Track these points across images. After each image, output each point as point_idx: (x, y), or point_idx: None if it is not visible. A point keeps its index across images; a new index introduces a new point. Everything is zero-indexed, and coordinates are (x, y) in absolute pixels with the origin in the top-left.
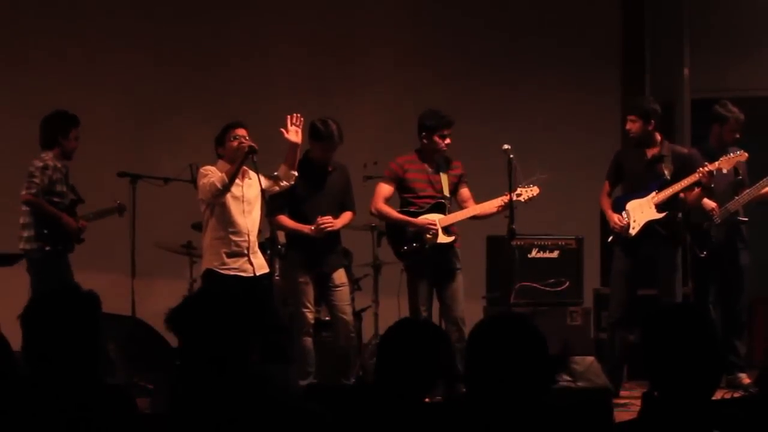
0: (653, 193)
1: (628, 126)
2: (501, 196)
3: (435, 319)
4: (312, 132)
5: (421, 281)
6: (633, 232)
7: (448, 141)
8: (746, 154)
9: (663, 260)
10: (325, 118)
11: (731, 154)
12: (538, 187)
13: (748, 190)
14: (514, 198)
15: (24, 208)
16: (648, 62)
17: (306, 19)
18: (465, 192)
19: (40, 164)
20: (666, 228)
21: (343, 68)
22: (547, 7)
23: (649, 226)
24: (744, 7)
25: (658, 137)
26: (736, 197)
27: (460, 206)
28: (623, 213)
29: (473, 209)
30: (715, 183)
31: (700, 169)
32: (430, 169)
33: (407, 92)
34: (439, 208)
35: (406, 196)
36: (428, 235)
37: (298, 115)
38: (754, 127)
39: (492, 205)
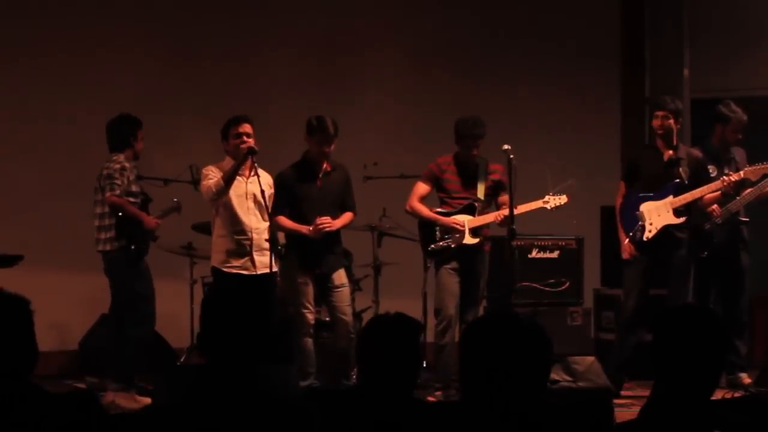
0: (670, 197)
1: (660, 122)
2: (533, 200)
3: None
4: (306, 127)
5: (449, 280)
6: (650, 235)
7: (475, 152)
8: None
9: (677, 262)
10: (320, 115)
11: (759, 164)
12: (568, 195)
13: (749, 190)
14: (542, 204)
15: (98, 209)
16: (648, 62)
17: (306, 19)
18: (503, 198)
19: (118, 166)
20: (682, 232)
21: (344, 69)
22: (547, 8)
23: (666, 229)
24: (743, 6)
25: (675, 139)
26: (738, 197)
27: (496, 209)
28: (637, 213)
29: (499, 213)
30: None
31: (724, 177)
32: (466, 171)
33: (407, 93)
34: (470, 210)
35: (441, 195)
36: (455, 235)
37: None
38: (754, 127)
39: (519, 210)
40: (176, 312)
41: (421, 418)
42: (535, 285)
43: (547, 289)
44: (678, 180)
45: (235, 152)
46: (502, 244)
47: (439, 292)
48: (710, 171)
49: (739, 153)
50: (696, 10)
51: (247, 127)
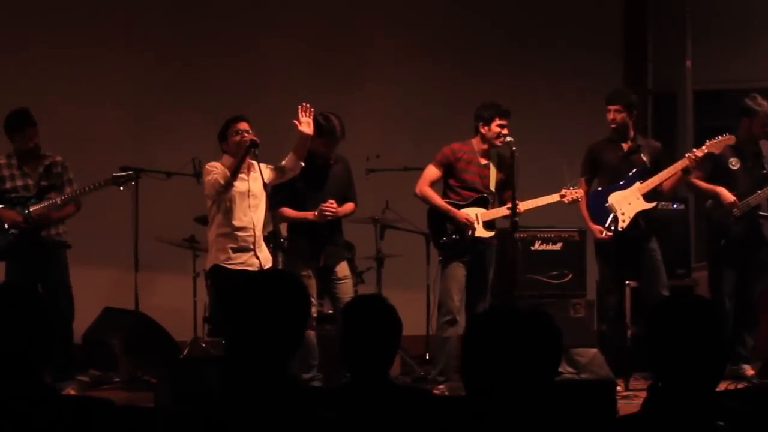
0: (637, 183)
1: (612, 116)
2: (548, 194)
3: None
4: (314, 127)
5: (457, 272)
6: (624, 225)
7: (506, 131)
8: (734, 138)
9: (649, 250)
10: (327, 113)
11: (719, 137)
12: (583, 189)
13: None
14: (558, 198)
15: None
16: (650, 53)
17: (307, 12)
18: (509, 193)
19: None
20: (646, 218)
21: (345, 61)
22: None
23: (637, 218)
24: None
25: (632, 131)
26: (759, 191)
27: (502, 203)
28: (606, 206)
29: (518, 206)
30: (738, 177)
31: (688, 154)
32: (482, 161)
33: (410, 84)
34: (482, 203)
35: (451, 183)
36: (468, 230)
37: (309, 105)
38: None
39: (536, 203)
40: (179, 305)
41: (431, 412)
42: (538, 277)
43: (550, 281)
44: (641, 165)
45: (235, 150)
46: (504, 236)
47: (446, 285)
48: (732, 164)
49: (766, 147)
50: (698, 2)
51: (245, 125)
